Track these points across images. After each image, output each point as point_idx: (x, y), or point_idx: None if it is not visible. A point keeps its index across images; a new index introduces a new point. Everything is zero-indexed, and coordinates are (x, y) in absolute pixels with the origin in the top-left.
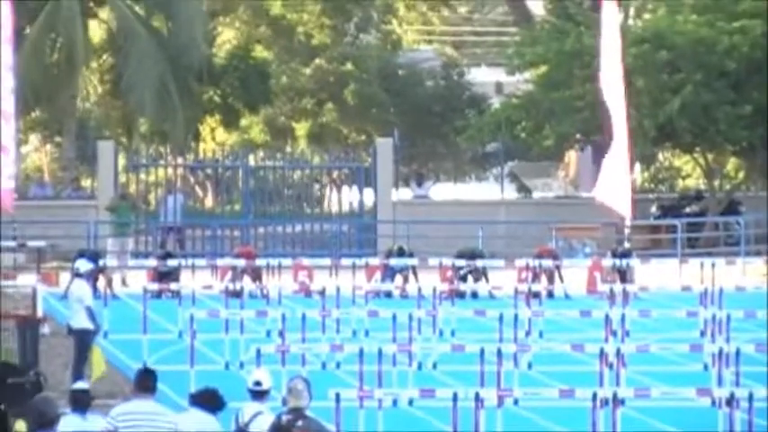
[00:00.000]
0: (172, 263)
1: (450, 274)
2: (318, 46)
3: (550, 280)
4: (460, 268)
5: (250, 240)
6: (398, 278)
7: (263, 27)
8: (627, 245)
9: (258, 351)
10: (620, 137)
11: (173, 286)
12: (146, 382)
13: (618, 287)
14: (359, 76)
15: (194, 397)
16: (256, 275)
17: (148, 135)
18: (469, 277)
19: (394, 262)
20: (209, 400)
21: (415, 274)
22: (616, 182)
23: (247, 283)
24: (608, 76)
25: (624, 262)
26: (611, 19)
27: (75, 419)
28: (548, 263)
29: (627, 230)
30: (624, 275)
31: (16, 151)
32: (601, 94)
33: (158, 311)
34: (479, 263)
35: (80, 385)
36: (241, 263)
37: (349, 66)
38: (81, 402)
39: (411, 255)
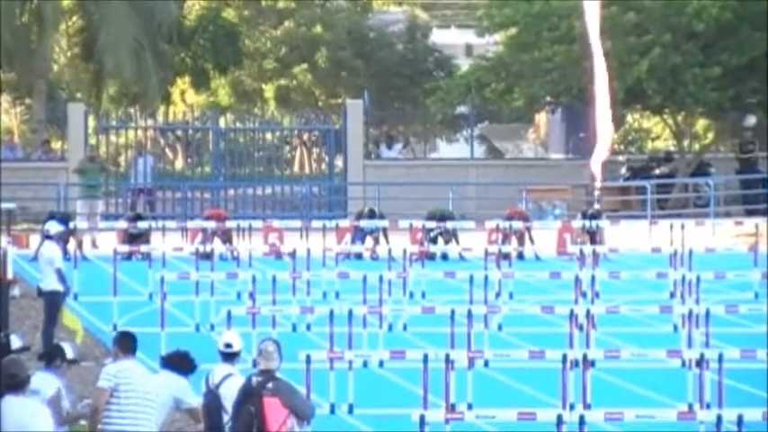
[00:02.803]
0: (142, 225)
1: (420, 235)
2: (288, 8)
3: (521, 241)
4: (431, 230)
5: (220, 203)
6: (369, 240)
7: None
8: (597, 206)
9: (229, 313)
10: (600, 100)
11: (143, 248)
12: (128, 343)
13: (588, 248)
14: (329, 39)
15: (166, 359)
16: (227, 237)
17: (117, 97)
18: (440, 239)
19: (364, 224)
20: (180, 363)
21: (385, 236)
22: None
23: (218, 246)
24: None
25: (594, 223)
26: None
27: (45, 376)
28: (518, 224)
29: (597, 192)
30: (594, 237)
31: None
32: (571, 55)
33: (129, 273)
34: (449, 224)
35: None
36: (211, 225)
37: (319, 28)
38: (51, 359)
39: (382, 216)
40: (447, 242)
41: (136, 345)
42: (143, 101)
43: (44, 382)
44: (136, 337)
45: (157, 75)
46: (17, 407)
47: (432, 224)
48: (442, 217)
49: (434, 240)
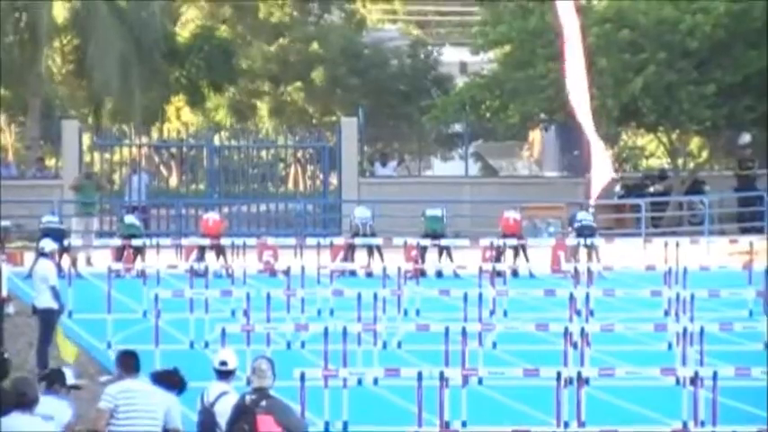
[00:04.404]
0: (136, 242)
1: (414, 253)
2: (282, 26)
3: (516, 253)
4: (425, 248)
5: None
6: (363, 255)
7: (227, 6)
8: (590, 212)
9: (223, 330)
10: (584, 118)
11: (137, 265)
12: (130, 362)
13: (582, 266)
14: (324, 56)
15: (156, 376)
16: (219, 251)
17: (112, 114)
18: (433, 253)
19: (359, 241)
20: (170, 380)
21: (380, 253)
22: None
23: (212, 262)
24: (569, 58)
25: (588, 241)
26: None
27: (57, 403)
28: (512, 242)
29: (591, 210)
30: (590, 252)
31: None
32: (564, 74)
33: (123, 291)
34: (444, 242)
35: (64, 368)
36: (206, 242)
37: (314, 46)
38: (50, 383)
39: (374, 234)
40: (441, 254)
41: (138, 363)
42: (126, 117)
43: (57, 408)
44: (137, 356)
45: (150, 93)
46: (22, 424)
47: (426, 242)
48: (435, 236)
49: (423, 255)
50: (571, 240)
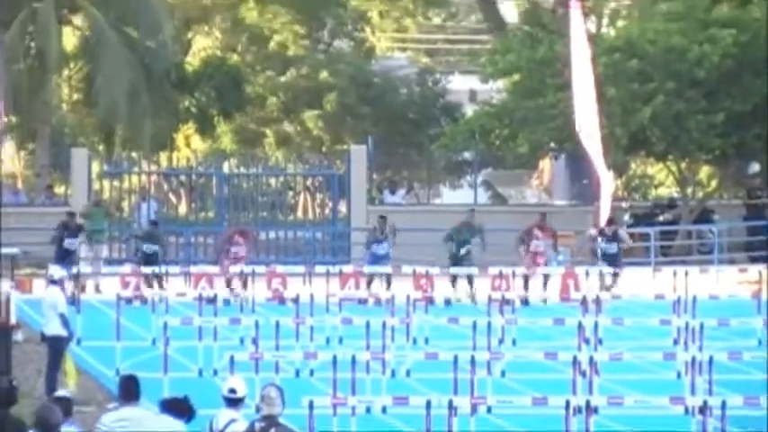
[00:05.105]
0: (150, 247)
1: (423, 282)
2: (293, 55)
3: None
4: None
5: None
6: (373, 285)
7: (239, 36)
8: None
9: (232, 358)
10: (593, 146)
11: (146, 293)
12: (130, 388)
13: (591, 295)
14: (334, 84)
15: (165, 404)
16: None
17: (121, 142)
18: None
19: (367, 270)
20: (179, 407)
21: (388, 281)
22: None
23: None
24: (578, 86)
25: (599, 270)
26: (578, 30)
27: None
28: (521, 270)
29: (599, 239)
30: (614, 260)
31: None
32: (573, 103)
33: (132, 318)
34: (453, 270)
35: (62, 393)
36: (215, 269)
37: (324, 74)
38: (67, 412)
39: (395, 232)
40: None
41: (138, 389)
42: (139, 146)
43: None
44: (137, 381)
45: (160, 121)
46: None
47: (435, 270)
48: (471, 230)
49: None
50: (580, 269)
